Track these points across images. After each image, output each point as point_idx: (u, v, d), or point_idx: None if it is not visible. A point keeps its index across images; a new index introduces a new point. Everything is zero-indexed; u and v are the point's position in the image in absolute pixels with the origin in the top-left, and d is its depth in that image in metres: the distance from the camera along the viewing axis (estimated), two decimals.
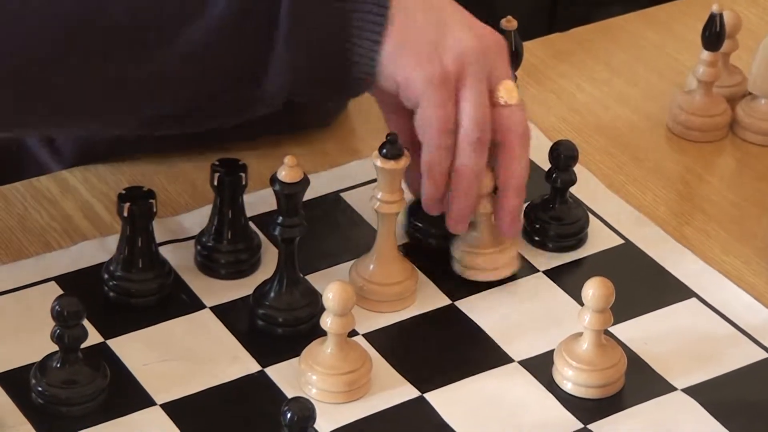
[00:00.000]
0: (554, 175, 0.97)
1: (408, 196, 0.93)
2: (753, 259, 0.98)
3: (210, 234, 0.94)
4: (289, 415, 0.76)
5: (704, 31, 1.06)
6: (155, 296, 0.92)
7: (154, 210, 0.90)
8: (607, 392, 0.86)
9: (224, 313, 0.92)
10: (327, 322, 0.84)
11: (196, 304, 0.92)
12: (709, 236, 1.00)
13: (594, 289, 0.84)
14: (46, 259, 0.94)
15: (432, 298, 0.94)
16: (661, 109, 1.11)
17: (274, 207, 0.89)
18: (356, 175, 1.04)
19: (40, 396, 0.83)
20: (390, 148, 0.89)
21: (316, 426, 0.78)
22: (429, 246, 0.97)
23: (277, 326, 0.90)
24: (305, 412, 0.76)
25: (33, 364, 0.84)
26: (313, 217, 0.92)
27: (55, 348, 0.83)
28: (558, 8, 1.84)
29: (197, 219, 0.97)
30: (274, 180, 0.87)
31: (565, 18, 1.37)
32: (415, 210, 0.95)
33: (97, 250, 0.95)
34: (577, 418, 0.85)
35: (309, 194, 0.91)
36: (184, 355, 0.89)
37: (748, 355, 0.90)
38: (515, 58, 1.00)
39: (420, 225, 0.95)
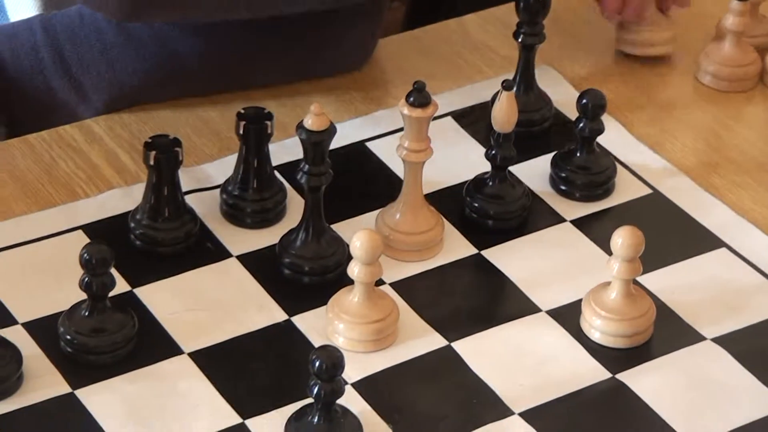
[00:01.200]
0: (582, 124, 0.96)
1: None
2: None
3: (236, 183, 0.94)
4: (317, 364, 0.76)
5: None
6: (182, 245, 0.92)
7: (180, 158, 0.90)
8: (635, 342, 0.87)
9: (250, 262, 0.92)
10: (354, 270, 0.84)
11: (222, 253, 0.93)
12: (738, 186, 1.00)
13: (624, 237, 0.84)
14: (72, 208, 0.94)
15: (458, 248, 0.94)
16: (691, 59, 1.11)
17: (299, 156, 0.89)
18: (382, 123, 1.03)
19: (68, 344, 0.84)
20: (417, 96, 0.88)
21: (345, 374, 0.78)
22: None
23: (304, 275, 0.90)
24: (334, 360, 0.77)
25: (61, 312, 0.85)
26: (339, 166, 0.92)
27: (83, 296, 0.83)
28: None
29: (223, 168, 0.97)
30: (300, 128, 0.87)
31: None
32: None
33: (123, 199, 0.95)
34: (605, 367, 0.85)
35: (334, 143, 0.90)
36: (210, 304, 0.89)
37: None
38: (543, 5, 0.99)
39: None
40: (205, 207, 0.95)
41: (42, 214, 0.94)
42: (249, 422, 0.81)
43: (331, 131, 0.88)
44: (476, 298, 0.92)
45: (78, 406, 0.81)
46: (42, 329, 0.85)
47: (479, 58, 1.10)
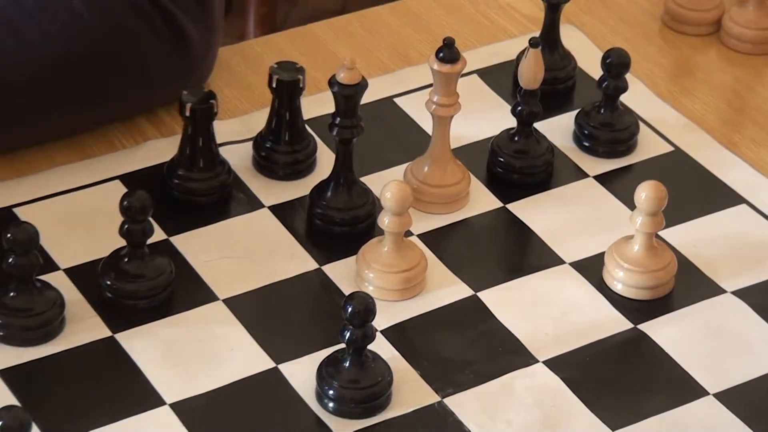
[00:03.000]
0: (606, 83, 0.97)
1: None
2: None
3: (268, 136, 0.95)
4: (350, 309, 0.77)
5: None
6: (216, 195, 0.93)
7: (215, 111, 0.91)
8: (656, 294, 0.88)
9: (282, 212, 0.93)
10: (385, 221, 0.85)
11: (254, 204, 0.94)
12: (758, 144, 1.00)
13: (647, 191, 0.85)
14: (111, 159, 0.95)
15: (484, 201, 0.95)
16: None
17: (330, 110, 0.89)
18: (409, 81, 1.04)
19: (108, 290, 0.85)
20: (447, 52, 0.89)
21: (374, 322, 0.79)
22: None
23: (335, 225, 0.91)
24: (367, 305, 0.78)
25: (101, 259, 0.86)
26: (368, 121, 0.92)
27: (123, 243, 0.84)
28: None
29: (255, 121, 0.97)
30: (332, 82, 0.88)
31: None
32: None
33: (159, 150, 0.96)
34: (627, 318, 0.86)
35: (363, 99, 0.91)
36: (244, 253, 0.90)
37: None
38: None
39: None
40: (239, 159, 0.96)
41: (82, 164, 0.94)
42: (282, 367, 0.82)
43: (363, 85, 0.89)
44: (501, 250, 0.93)
45: (118, 349, 0.82)
46: (83, 275, 0.86)
47: (504, 18, 1.10)
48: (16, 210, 0.91)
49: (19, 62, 0.93)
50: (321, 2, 2.50)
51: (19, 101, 0.94)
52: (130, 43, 0.96)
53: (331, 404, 0.79)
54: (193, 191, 0.93)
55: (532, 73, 0.93)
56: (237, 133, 0.98)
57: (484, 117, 1.01)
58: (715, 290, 0.89)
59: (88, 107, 0.97)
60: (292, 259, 0.90)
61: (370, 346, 0.80)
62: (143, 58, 0.97)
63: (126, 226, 0.83)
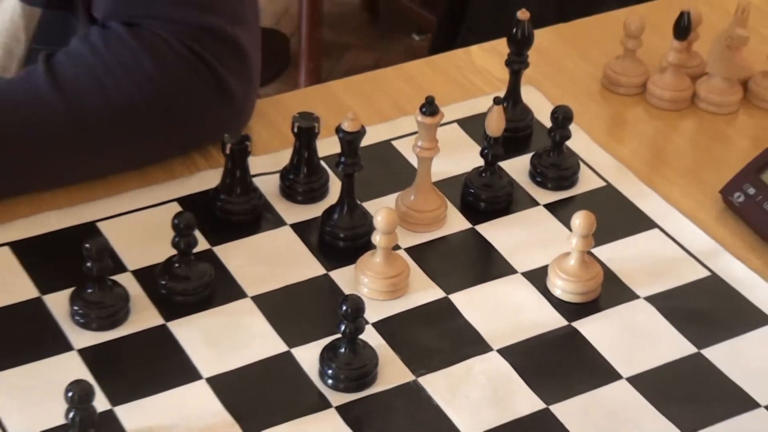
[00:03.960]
0: (554, 132, 0.96)
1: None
2: (704, 200, 0.97)
3: (291, 169, 0.94)
4: (344, 307, 0.77)
5: (675, 24, 1.04)
6: (249, 215, 0.92)
7: (249, 150, 0.91)
8: (587, 298, 0.87)
9: (300, 229, 0.92)
10: (377, 238, 0.84)
11: (279, 222, 0.93)
12: (670, 182, 0.99)
13: (580, 219, 0.85)
14: (170, 185, 0.95)
15: (458, 223, 0.94)
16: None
17: (338, 150, 0.89)
18: (403, 127, 1.03)
19: (162, 288, 0.85)
20: (428, 107, 0.88)
21: (366, 316, 0.79)
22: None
23: (340, 240, 0.90)
24: (358, 305, 0.78)
25: (158, 264, 0.86)
26: (369, 159, 0.92)
27: (174, 252, 0.84)
28: (564, 5, 1.80)
29: (282, 157, 0.96)
30: (338, 129, 0.87)
31: (569, 12, 1.36)
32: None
33: (208, 179, 0.95)
34: (563, 317, 0.86)
35: (366, 141, 0.90)
36: (269, 261, 0.89)
37: (694, 273, 0.91)
38: (528, 41, 0.99)
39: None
40: (268, 187, 0.95)
41: (148, 188, 0.94)
42: (293, 350, 0.81)
43: (361, 132, 0.88)
44: (469, 262, 0.92)
45: (168, 334, 0.82)
46: (145, 275, 0.86)
47: (480, 79, 1.09)
48: (98, 224, 0.91)
49: (102, 109, 0.91)
50: (359, 59, 2.53)
51: (100, 140, 0.92)
52: (187, 96, 0.94)
53: (330, 381, 0.79)
54: (231, 212, 0.92)
55: (495, 125, 0.91)
56: (268, 166, 0.97)
57: (460, 157, 0.99)
58: (632, 296, 0.88)
59: (154, 144, 0.95)
60: (307, 266, 0.89)
61: (361, 336, 0.79)
62: (197, 108, 0.95)
63: (176, 239, 0.83)
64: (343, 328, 0.77)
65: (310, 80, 2.05)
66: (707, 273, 0.90)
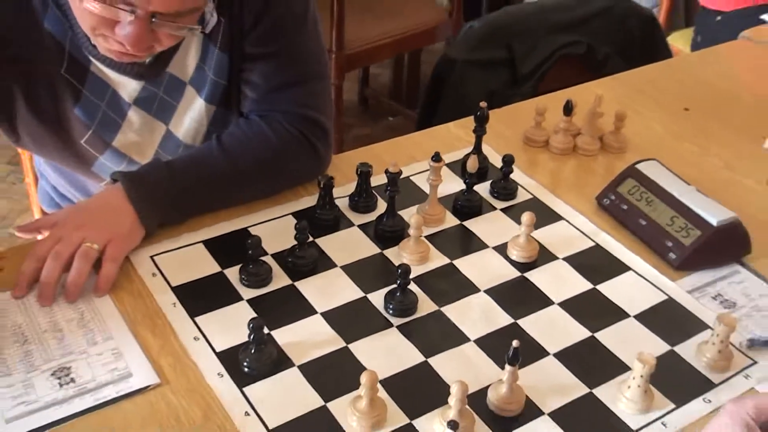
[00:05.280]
0: (503, 169, 0.98)
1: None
2: (586, 203, 0.97)
3: (355, 195, 0.94)
4: (399, 270, 0.79)
5: (564, 108, 1.05)
6: (333, 221, 0.92)
7: (333, 185, 0.91)
8: (530, 260, 0.88)
9: (364, 228, 0.92)
10: (411, 231, 0.86)
11: (350, 224, 0.92)
12: (567, 194, 1.00)
13: (527, 216, 0.87)
14: (286, 206, 0.94)
15: (452, 221, 0.94)
16: (545, 141, 1.08)
17: (385, 182, 0.89)
18: (416, 169, 1.02)
19: (289, 263, 0.84)
20: (436, 157, 0.88)
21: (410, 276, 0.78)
22: None
23: (388, 233, 0.90)
24: (406, 268, 0.78)
25: (285, 250, 0.84)
26: (402, 188, 0.92)
27: (295, 243, 0.83)
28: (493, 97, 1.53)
29: (351, 188, 0.96)
30: (386, 171, 0.89)
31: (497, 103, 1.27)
32: None
33: (309, 202, 0.94)
34: (518, 271, 0.87)
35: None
36: (347, 246, 0.87)
37: (586, 244, 0.90)
38: (486, 119, 0.99)
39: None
40: (343, 204, 0.95)
41: (274, 208, 0.93)
42: (368, 295, 0.81)
43: (399, 173, 0.90)
44: (461, 242, 0.91)
45: (294, 290, 0.82)
46: (279, 256, 0.86)
47: (457, 142, 1.08)
48: (249, 228, 0.90)
49: (248, 163, 0.90)
50: (359, 132, 2.44)
51: (247, 181, 0.91)
52: (295, 156, 0.93)
53: (390, 311, 0.80)
54: (324, 220, 0.92)
55: (471, 165, 0.93)
56: (342, 192, 0.96)
57: (452, 185, 0.99)
58: (554, 258, 0.88)
59: (276, 183, 0.94)
60: (369, 249, 0.88)
61: (410, 286, 0.80)
62: (300, 163, 0.94)
63: (297, 235, 0.84)
64: (398, 281, 0.79)
65: (336, 145, 2.04)
66: (593, 243, 0.91)
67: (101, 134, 0.90)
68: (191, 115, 0.93)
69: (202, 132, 0.97)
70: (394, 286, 0.80)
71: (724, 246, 0.87)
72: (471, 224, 0.94)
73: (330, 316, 0.79)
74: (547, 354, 0.77)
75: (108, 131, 0.90)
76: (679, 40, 2.00)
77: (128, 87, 0.88)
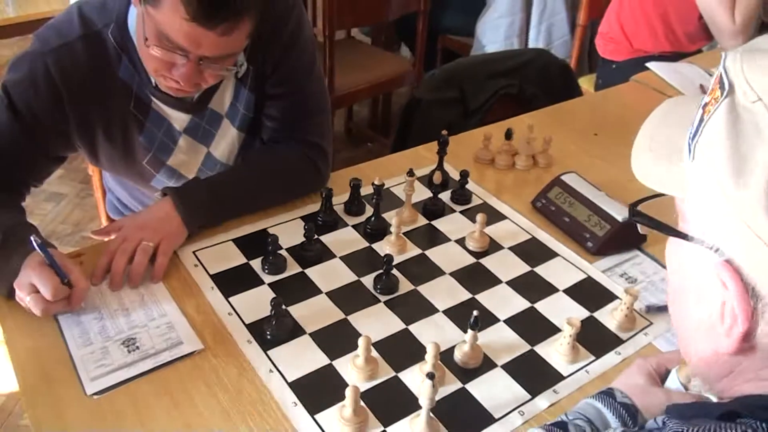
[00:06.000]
0: (461, 180, 0.97)
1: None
2: (524, 205, 0.97)
3: (349, 203, 0.93)
4: (385, 258, 0.79)
5: (505, 134, 1.04)
6: (332, 222, 0.90)
7: (332, 194, 0.90)
8: (483, 249, 0.88)
9: (356, 227, 0.91)
10: (392, 228, 0.86)
11: (345, 224, 0.91)
12: (509, 198, 0.99)
13: (480, 216, 0.87)
14: (295, 211, 0.93)
15: (422, 220, 0.93)
16: (491, 159, 1.08)
17: (372, 192, 0.89)
18: (395, 182, 1.01)
19: (301, 255, 0.83)
20: (411, 172, 0.89)
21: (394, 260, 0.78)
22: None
23: (374, 232, 0.89)
24: (390, 258, 0.78)
25: (296, 245, 0.83)
26: (384, 196, 0.92)
27: (303, 239, 0.82)
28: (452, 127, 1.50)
29: (345, 197, 0.95)
30: (373, 184, 0.88)
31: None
32: None
33: (312, 207, 0.93)
34: (474, 257, 0.86)
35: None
36: (343, 242, 0.87)
37: (524, 237, 0.90)
38: (447, 143, 0.98)
39: None
40: (339, 209, 0.94)
41: (284, 214, 0.92)
42: (361, 278, 0.80)
43: (383, 185, 0.88)
44: (429, 236, 0.91)
45: (304, 275, 0.82)
46: (292, 250, 0.85)
47: (424, 161, 1.07)
48: (268, 229, 0.89)
49: (267, 175, 0.90)
50: (345, 155, 2.38)
51: (265, 190, 0.90)
52: (301, 173, 0.92)
53: (378, 290, 0.80)
54: (325, 222, 0.91)
55: (437, 178, 0.95)
56: (339, 200, 0.95)
57: (422, 193, 0.99)
58: (501, 248, 0.88)
59: (287, 193, 0.93)
60: (359, 243, 0.87)
61: (391, 271, 0.79)
62: (305, 179, 0.93)
63: (305, 233, 0.83)
64: (384, 267, 0.79)
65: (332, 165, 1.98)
66: (530, 236, 0.91)
67: (159, 156, 0.91)
68: (226, 140, 0.94)
69: (234, 153, 0.98)
70: (381, 271, 0.81)
71: (627, 236, 0.89)
72: (437, 223, 0.94)
73: (332, 295, 0.79)
74: (498, 321, 0.77)
75: (164, 153, 0.91)
76: (586, 83, 2.07)
77: (179, 119, 0.89)
